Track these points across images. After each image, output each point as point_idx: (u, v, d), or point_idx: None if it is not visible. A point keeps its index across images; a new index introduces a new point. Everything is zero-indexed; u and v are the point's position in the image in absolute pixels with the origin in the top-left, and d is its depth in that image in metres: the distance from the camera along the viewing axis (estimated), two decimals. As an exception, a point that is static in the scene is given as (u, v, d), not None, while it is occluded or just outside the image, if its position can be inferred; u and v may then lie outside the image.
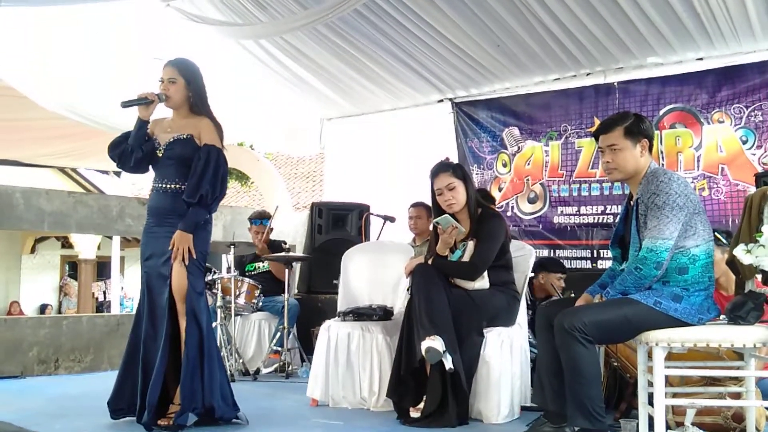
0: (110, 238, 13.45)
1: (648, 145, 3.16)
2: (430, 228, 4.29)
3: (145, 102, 3.65)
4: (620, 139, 3.16)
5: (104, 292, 17.15)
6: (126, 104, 3.67)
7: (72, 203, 6.21)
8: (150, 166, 3.84)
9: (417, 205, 5.81)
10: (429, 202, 5.48)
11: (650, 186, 3.04)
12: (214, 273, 5.74)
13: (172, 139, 3.71)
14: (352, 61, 6.79)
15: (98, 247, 16.07)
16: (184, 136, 3.70)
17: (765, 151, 5.29)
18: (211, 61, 7.07)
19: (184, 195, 3.63)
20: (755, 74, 5.46)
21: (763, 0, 4.92)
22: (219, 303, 5.58)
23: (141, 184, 14.00)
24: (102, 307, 16.68)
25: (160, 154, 3.74)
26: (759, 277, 3.05)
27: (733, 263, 3.09)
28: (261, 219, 6.44)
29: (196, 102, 3.76)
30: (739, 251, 2.86)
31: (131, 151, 3.73)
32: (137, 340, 3.68)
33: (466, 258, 3.99)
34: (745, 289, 3.15)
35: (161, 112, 3.86)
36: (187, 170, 3.66)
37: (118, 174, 12.68)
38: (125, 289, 16.75)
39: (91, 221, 6.36)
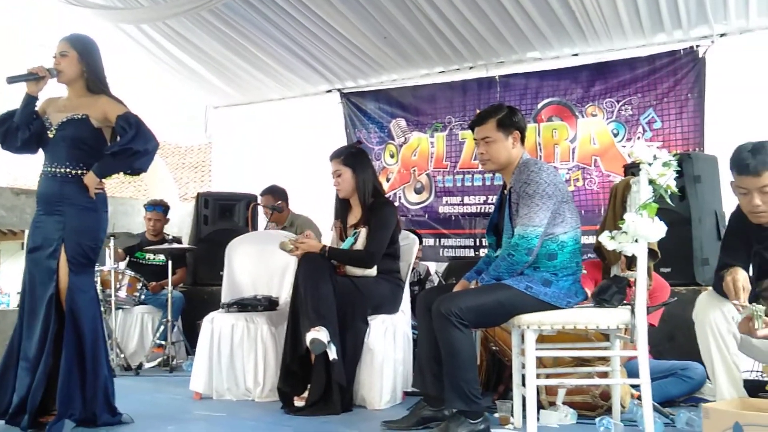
0: (-18, 230, 12.74)
1: (520, 136, 3.29)
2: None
3: (33, 77, 3.37)
4: (493, 131, 3.28)
5: (-23, 288, 16.23)
6: (12, 79, 3.36)
7: (-63, 193, 5.85)
8: (40, 148, 3.54)
9: (263, 195, 5.99)
10: (278, 186, 5.95)
11: (522, 176, 3.17)
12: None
13: (65, 119, 3.44)
14: (238, 49, 6.70)
15: (-30, 241, 15.19)
16: (79, 116, 3.44)
17: (633, 144, 5.59)
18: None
19: (106, 149, 3.43)
20: (625, 70, 5.77)
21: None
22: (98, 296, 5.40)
23: (16, 173, 13.31)
24: (-25, 303, 15.78)
25: (51, 135, 3.46)
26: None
27: (599, 249, 3.27)
28: (155, 206, 6.46)
29: (91, 78, 3.50)
30: (604, 238, 3.03)
31: (17, 128, 3.43)
32: (18, 341, 3.41)
33: (358, 245, 4.05)
34: (610, 274, 3.33)
35: (57, 90, 3.60)
36: (79, 153, 3.42)
37: (-10, 163, 12.01)
38: (0, 283, 15.90)
39: (-41, 212, 6.01)
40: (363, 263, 4.05)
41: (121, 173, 3.63)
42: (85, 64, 3.50)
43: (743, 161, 2.81)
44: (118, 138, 3.49)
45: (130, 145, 3.41)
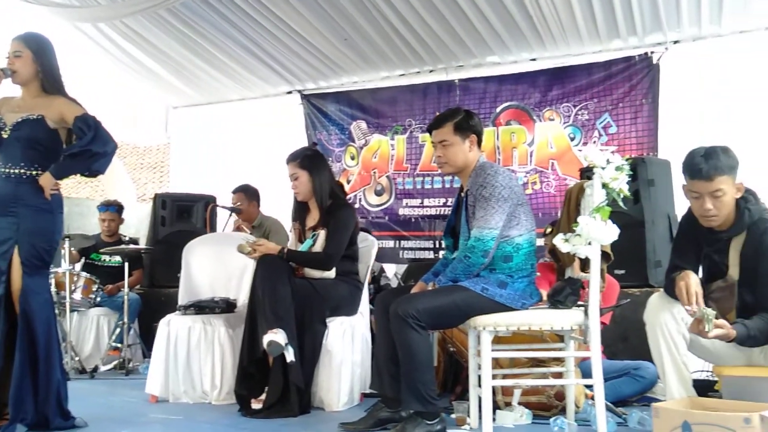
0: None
1: (477, 140, 3.33)
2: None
3: None
4: (450, 134, 3.31)
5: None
6: None
7: None
8: None
9: (236, 192, 5.83)
10: (252, 186, 5.81)
11: (478, 179, 3.21)
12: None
13: (20, 119, 3.39)
14: (198, 49, 6.65)
15: None
16: (34, 117, 3.39)
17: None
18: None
19: (64, 150, 3.40)
20: (582, 75, 5.86)
21: (589, 6, 5.28)
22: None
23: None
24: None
25: (6, 135, 3.41)
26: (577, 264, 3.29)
27: (554, 252, 3.31)
28: (108, 206, 6.37)
29: (46, 78, 3.46)
30: (558, 240, 3.08)
31: None
32: None
33: (317, 247, 4.04)
34: (565, 276, 3.38)
35: (11, 90, 3.53)
36: (35, 153, 3.38)
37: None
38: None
39: None
40: (321, 265, 4.05)
41: (78, 174, 3.61)
42: (40, 64, 3.46)
43: (696, 166, 2.88)
44: (75, 139, 3.46)
45: (89, 147, 3.39)
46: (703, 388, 3.60)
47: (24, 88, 3.50)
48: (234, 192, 5.82)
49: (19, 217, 3.35)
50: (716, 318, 2.67)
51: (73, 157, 3.41)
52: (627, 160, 3.09)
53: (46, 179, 3.37)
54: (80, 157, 3.41)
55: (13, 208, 3.35)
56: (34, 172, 3.39)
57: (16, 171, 3.37)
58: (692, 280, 2.84)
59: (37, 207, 3.38)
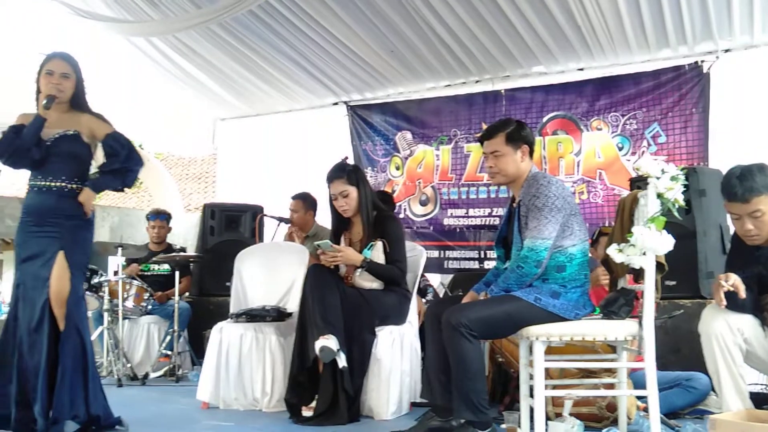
0: (-13, 240, 12.78)
1: (528, 150, 3.34)
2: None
3: (54, 101, 3.46)
4: (502, 145, 3.32)
5: (-19, 298, 16.22)
6: (48, 104, 3.43)
7: (-54, 203, 5.88)
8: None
9: (295, 198, 5.86)
10: (312, 195, 5.80)
11: (531, 189, 3.21)
12: (101, 275, 5.59)
13: (57, 135, 3.50)
14: (246, 61, 6.75)
15: (-26, 250, 15.20)
16: (71, 132, 3.52)
17: (638, 158, 5.62)
18: (99, 57, 6.88)
19: (102, 166, 3.56)
20: (630, 85, 5.81)
21: (638, 15, 5.24)
22: (106, 306, 5.44)
23: (20, 184, 13.35)
24: (-22, 313, 15.76)
25: (43, 150, 3.50)
26: (628, 275, 3.27)
27: (607, 262, 3.29)
28: (158, 215, 6.52)
29: (79, 96, 3.60)
30: (612, 251, 3.06)
31: (28, 149, 3.45)
32: (11, 349, 3.42)
33: (373, 258, 4.09)
34: (618, 287, 3.36)
35: (30, 106, 3.61)
36: (73, 168, 3.51)
37: (-4, 173, 12.03)
38: (3, 294, 15.90)
39: (-33, 222, 6.05)
40: (398, 280, 4.15)
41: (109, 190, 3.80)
42: (78, 84, 3.61)
43: (732, 189, 2.89)
44: (105, 155, 3.59)
45: (126, 164, 3.57)
46: (760, 400, 3.55)
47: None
48: (293, 198, 5.86)
49: (61, 228, 3.46)
50: None
51: (112, 173, 3.58)
52: (682, 169, 3.06)
53: (87, 195, 3.51)
54: (119, 173, 3.59)
55: (52, 219, 3.46)
56: (74, 186, 3.52)
57: (58, 184, 3.48)
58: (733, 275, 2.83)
59: (78, 220, 3.52)
